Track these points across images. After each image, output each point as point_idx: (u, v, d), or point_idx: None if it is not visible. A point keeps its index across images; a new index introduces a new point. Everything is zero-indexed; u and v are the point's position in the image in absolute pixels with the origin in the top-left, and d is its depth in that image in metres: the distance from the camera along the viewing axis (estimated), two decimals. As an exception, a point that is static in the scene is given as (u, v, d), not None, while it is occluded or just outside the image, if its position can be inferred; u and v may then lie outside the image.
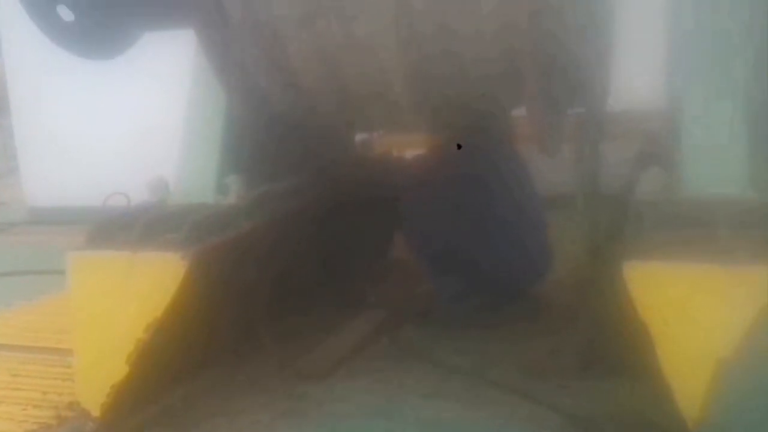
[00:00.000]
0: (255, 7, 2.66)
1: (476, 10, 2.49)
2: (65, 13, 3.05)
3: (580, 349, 2.86)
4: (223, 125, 2.95)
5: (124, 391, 2.46)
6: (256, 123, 2.94)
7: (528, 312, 3.35)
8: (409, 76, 2.63)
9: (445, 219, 3.48)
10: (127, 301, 2.53)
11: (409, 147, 4.11)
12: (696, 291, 1.99)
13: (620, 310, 2.22)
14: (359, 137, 3.94)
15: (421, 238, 3.57)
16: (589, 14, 2.55)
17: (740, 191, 2.29)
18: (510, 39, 2.51)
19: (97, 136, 6.39)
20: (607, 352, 2.59)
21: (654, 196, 2.41)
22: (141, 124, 5.83)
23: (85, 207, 5.87)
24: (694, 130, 2.46)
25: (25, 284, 4.65)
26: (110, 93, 6.06)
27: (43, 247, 5.63)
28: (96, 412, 2.46)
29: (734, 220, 2.13)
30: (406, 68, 2.61)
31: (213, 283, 2.63)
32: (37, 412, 2.75)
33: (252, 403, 2.69)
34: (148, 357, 2.47)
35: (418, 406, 2.63)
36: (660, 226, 2.18)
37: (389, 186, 3.62)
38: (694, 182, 2.36)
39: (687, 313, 1.98)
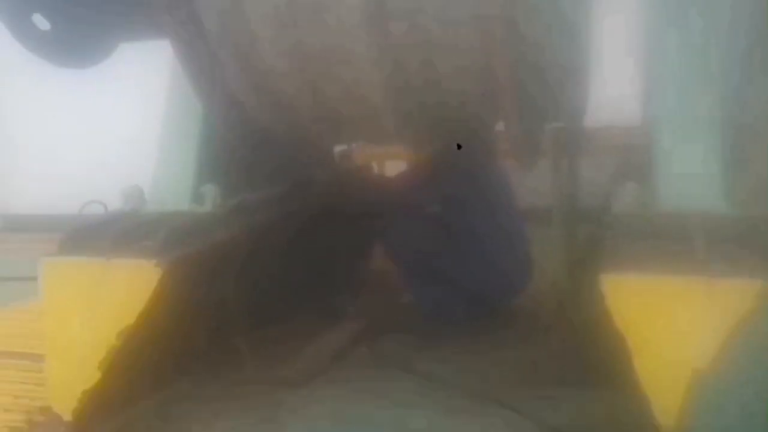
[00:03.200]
0: (231, 18, 2.65)
1: (453, 21, 2.50)
2: (41, 22, 3.02)
3: (558, 360, 2.87)
4: (200, 134, 2.94)
5: (96, 396, 2.42)
6: (232, 133, 2.92)
7: (508, 324, 3.36)
8: (387, 88, 2.64)
9: (426, 231, 3.49)
10: (100, 307, 2.49)
11: (389, 159, 4.12)
12: (673, 303, 2.00)
13: (598, 322, 2.24)
14: (338, 148, 3.93)
15: (402, 249, 3.57)
16: (567, 28, 2.57)
17: (716, 206, 2.32)
18: (486, 52, 2.52)
19: (72, 144, 6.33)
20: (585, 363, 2.60)
21: (631, 211, 2.43)
22: (117, 133, 5.78)
23: (60, 215, 5.82)
24: (669, 145, 2.49)
25: None
26: (86, 101, 6.02)
27: (16, 255, 5.55)
28: (68, 417, 2.41)
29: (710, 233, 2.16)
30: (384, 80, 2.61)
31: (188, 292, 2.60)
32: (7, 416, 2.72)
33: (228, 410, 2.66)
34: (120, 363, 2.44)
35: (396, 415, 2.61)
36: (637, 240, 2.20)
37: (369, 198, 3.62)
38: (669, 197, 2.39)
39: (664, 324, 2.00)
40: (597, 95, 2.95)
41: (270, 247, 3.07)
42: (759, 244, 2.06)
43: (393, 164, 3.85)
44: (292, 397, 2.76)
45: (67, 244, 2.64)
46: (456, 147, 3.22)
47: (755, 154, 2.48)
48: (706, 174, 2.39)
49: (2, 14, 2.96)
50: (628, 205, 2.45)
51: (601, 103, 3.23)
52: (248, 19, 2.63)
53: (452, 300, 3.46)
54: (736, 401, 1.90)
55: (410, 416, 2.59)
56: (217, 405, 2.68)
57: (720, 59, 2.47)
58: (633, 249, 2.14)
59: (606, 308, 2.10)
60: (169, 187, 2.92)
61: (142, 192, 2.93)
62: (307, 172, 3.40)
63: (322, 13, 2.54)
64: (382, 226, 3.56)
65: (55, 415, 2.44)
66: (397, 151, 3.70)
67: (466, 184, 3.49)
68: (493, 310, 3.47)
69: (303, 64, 2.68)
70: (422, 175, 3.58)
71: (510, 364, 2.98)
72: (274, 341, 3.14)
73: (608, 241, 2.27)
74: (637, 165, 2.65)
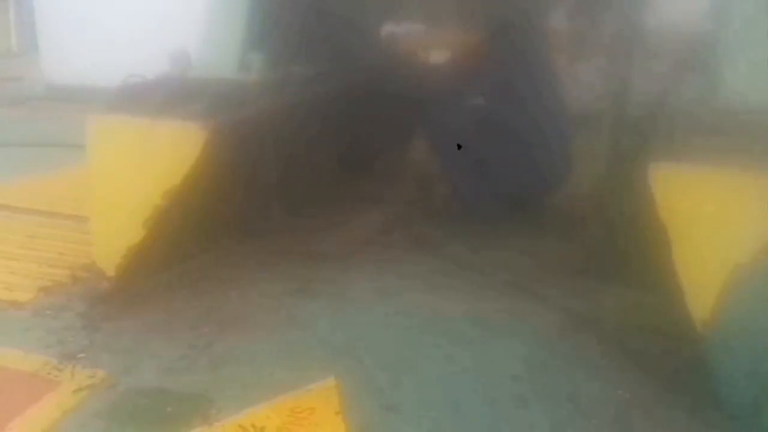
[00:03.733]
0: None
1: None
2: None
3: (593, 253, 2.86)
4: (249, 1, 2.87)
5: (139, 254, 2.48)
6: (283, 1, 2.85)
7: (544, 218, 3.35)
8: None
9: (468, 122, 3.43)
10: (146, 167, 2.52)
11: (435, 47, 4.00)
12: (721, 196, 1.96)
13: (640, 214, 2.21)
14: (387, 29, 3.82)
15: (442, 138, 3.52)
16: None
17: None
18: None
19: (118, 16, 6.27)
20: (621, 256, 2.59)
21: (689, 104, 2.34)
22: (162, 6, 5.68)
23: (103, 87, 5.84)
24: (733, 40, 2.38)
25: (42, 155, 4.67)
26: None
27: (61, 122, 5.61)
28: (111, 272, 2.48)
29: (764, 128, 2.08)
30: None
31: (231, 157, 2.61)
32: (52, 270, 2.79)
33: (263, 278, 2.73)
34: (164, 223, 2.48)
35: (420, 298, 2.65)
36: (692, 133, 2.13)
37: (413, 83, 3.55)
38: (730, 91, 2.30)
39: (710, 217, 1.96)
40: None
41: (313, 123, 3.06)
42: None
43: (440, 53, 3.73)
44: (326, 271, 2.81)
45: (114, 104, 2.66)
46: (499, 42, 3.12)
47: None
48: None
49: None
50: (683, 98, 2.37)
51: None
52: None
53: (489, 192, 3.44)
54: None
55: (437, 298, 2.63)
56: (254, 273, 2.75)
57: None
58: (687, 141, 2.08)
59: (650, 200, 2.07)
60: (216, 53, 2.89)
61: (189, 56, 2.91)
62: (355, 50, 3.33)
63: None
64: (425, 113, 3.51)
65: (98, 271, 2.51)
66: (445, 39, 3.59)
67: (513, 77, 3.39)
68: (530, 205, 3.46)
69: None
70: (468, 65, 3.49)
71: (542, 257, 2.99)
72: (311, 217, 3.18)
73: (660, 133, 2.22)
74: (699, 58, 2.55)
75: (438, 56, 3.70)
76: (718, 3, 2.49)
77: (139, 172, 2.53)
